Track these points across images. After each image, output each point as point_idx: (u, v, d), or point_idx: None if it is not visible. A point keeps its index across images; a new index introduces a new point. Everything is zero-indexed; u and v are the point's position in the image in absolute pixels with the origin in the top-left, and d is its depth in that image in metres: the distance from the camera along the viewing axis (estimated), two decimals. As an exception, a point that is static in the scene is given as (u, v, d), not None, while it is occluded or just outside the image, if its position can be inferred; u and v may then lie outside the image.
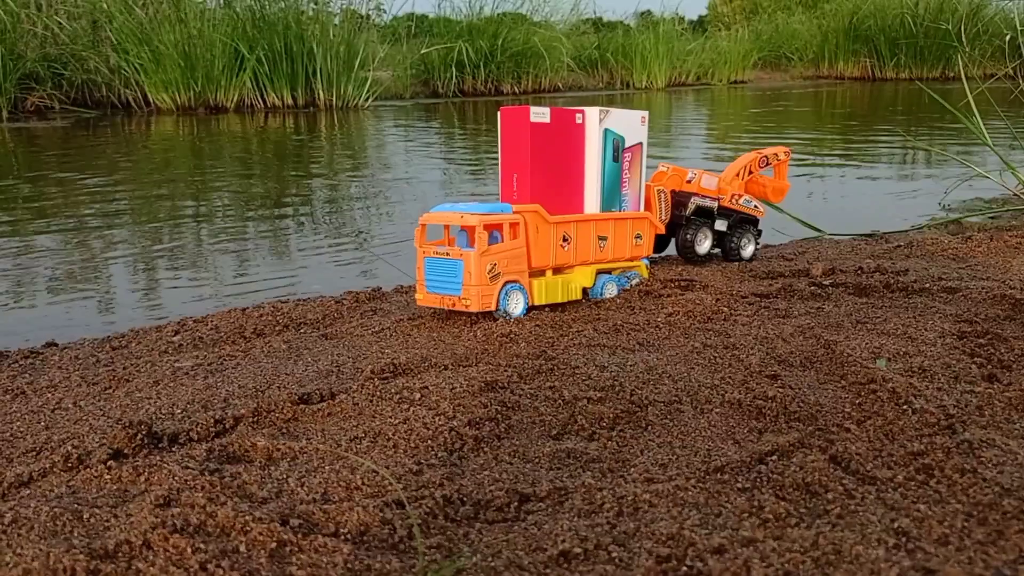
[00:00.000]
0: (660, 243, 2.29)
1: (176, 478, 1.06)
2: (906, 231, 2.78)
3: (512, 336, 1.65)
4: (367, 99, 8.71)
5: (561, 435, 1.21)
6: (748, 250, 2.32)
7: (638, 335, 1.64)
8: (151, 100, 8.33)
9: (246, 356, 1.65)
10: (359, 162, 5.08)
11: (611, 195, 2.00)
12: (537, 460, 1.11)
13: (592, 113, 1.95)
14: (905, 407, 1.21)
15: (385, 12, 10.46)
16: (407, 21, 10.48)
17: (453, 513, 0.98)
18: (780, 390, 1.29)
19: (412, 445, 1.16)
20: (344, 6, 8.85)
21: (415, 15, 10.66)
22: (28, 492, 1.06)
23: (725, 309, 1.79)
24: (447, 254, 1.77)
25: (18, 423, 1.34)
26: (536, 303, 1.84)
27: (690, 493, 0.97)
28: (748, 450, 1.10)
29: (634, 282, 2.04)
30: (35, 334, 1.93)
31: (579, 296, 1.92)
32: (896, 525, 0.89)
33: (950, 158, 4.50)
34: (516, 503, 0.99)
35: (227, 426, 1.27)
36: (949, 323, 1.65)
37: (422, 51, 9.69)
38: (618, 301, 1.92)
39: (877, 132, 6.24)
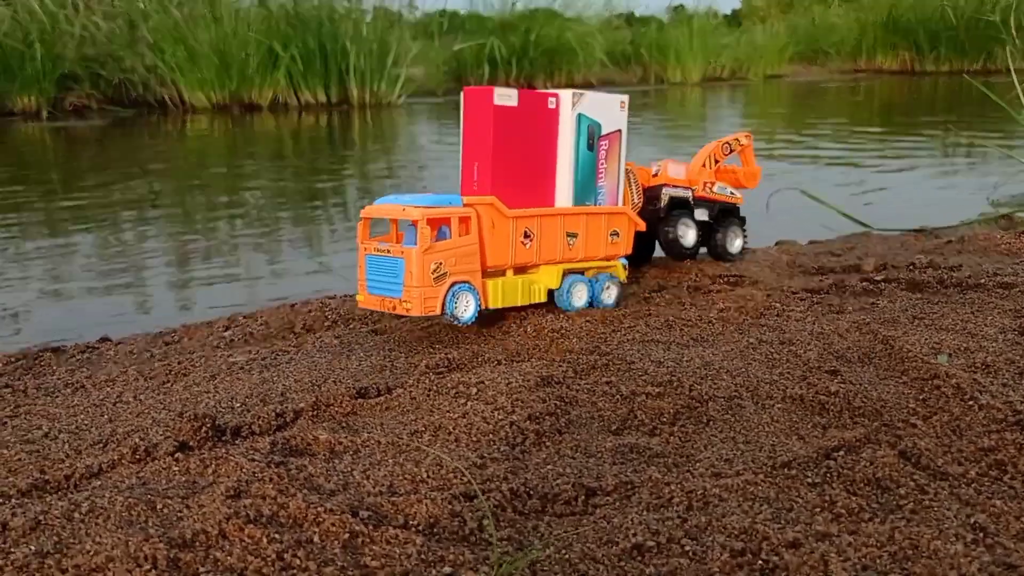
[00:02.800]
0: (641, 249, 2.12)
1: (244, 470, 1.07)
2: (955, 226, 2.74)
3: (563, 332, 1.65)
4: (400, 96, 8.74)
5: (621, 430, 1.21)
6: (736, 245, 2.19)
7: (691, 331, 1.63)
8: (186, 99, 8.41)
9: (298, 351, 1.67)
10: (393, 159, 5.11)
11: (585, 187, 1.81)
12: (599, 455, 1.11)
13: (564, 96, 1.78)
14: (971, 403, 1.19)
15: (417, 8, 10.47)
16: (439, 18, 10.51)
17: (521, 506, 0.98)
18: (842, 385, 1.28)
19: (473, 439, 1.16)
20: (376, 4, 8.89)
21: (447, 12, 10.69)
22: (99, 483, 1.08)
23: (777, 305, 1.78)
24: (388, 251, 1.62)
25: (81, 416, 1.36)
26: (491, 306, 1.69)
27: (760, 488, 0.97)
28: (813, 445, 1.09)
29: (611, 296, 1.83)
30: (87, 329, 1.96)
31: (543, 299, 1.76)
32: (972, 520, 0.88)
33: (994, 152, 4.43)
34: (583, 497, 0.99)
35: (287, 420, 1.28)
36: (1008, 319, 1.63)
37: (455, 48, 9.71)
38: (667, 296, 1.91)
39: (918, 126, 6.16)
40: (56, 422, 1.33)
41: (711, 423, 1.20)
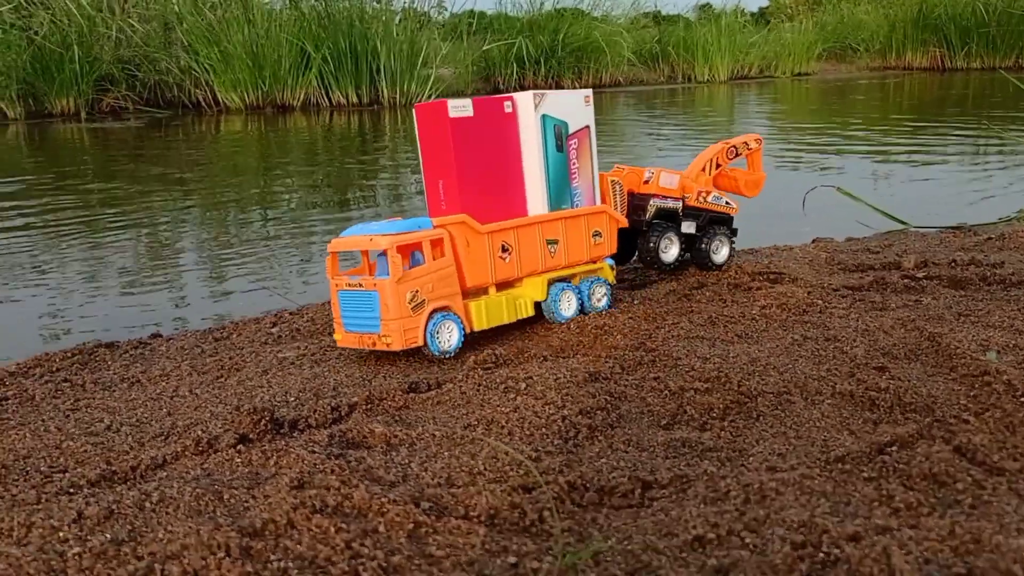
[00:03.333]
0: (622, 252, 2.01)
1: (305, 462, 1.09)
2: (995, 223, 2.72)
3: (606, 328, 1.66)
4: (430, 96, 8.78)
5: (671, 425, 1.22)
6: (721, 254, 2.07)
7: (735, 327, 1.64)
8: (220, 100, 8.51)
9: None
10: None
11: (560, 190, 1.75)
12: (652, 449, 1.13)
13: (524, 99, 1.70)
14: (1023, 399, 1.19)
15: (446, 9, 10.52)
16: (467, 18, 10.54)
17: (579, 499, 1.00)
18: (891, 382, 1.28)
19: (527, 433, 1.18)
20: (406, 5, 8.94)
21: (475, 12, 10.72)
22: (165, 474, 1.11)
23: (819, 302, 1.78)
24: (360, 285, 1.55)
25: (140, 410, 1.40)
26: (476, 328, 1.61)
27: (816, 482, 0.98)
28: (866, 441, 1.10)
29: (601, 300, 1.77)
30: (135, 325, 2.00)
31: (530, 313, 1.69)
32: (1031, 515, 0.89)
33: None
34: (639, 490, 1.01)
35: (342, 413, 1.31)
36: (1055, 316, 1.62)
37: (483, 48, 9.73)
38: (707, 293, 1.91)
39: (949, 123, 6.10)
40: (116, 415, 1.36)
41: (761, 418, 1.21)
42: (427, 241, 1.55)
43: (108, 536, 0.92)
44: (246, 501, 1.01)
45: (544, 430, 1.18)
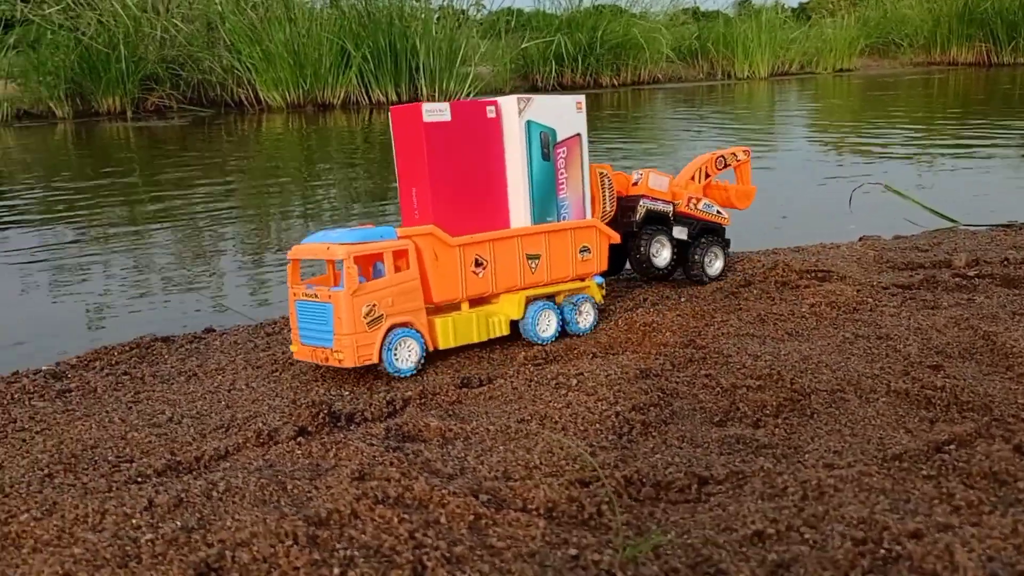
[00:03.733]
0: (612, 260, 1.90)
1: (364, 454, 1.12)
2: (1047, 221, 2.68)
3: (654, 326, 1.67)
4: (468, 94, 8.82)
5: (724, 422, 1.23)
6: (715, 267, 2.00)
7: (784, 325, 1.63)
8: (262, 98, 8.62)
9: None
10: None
11: (545, 202, 1.65)
12: (706, 445, 1.14)
13: (508, 104, 1.61)
14: (1083, 399, 1.18)
15: (484, 7, 10.54)
16: (505, 15, 10.57)
17: (635, 493, 1.01)
18: (946, 380, 1.28)
19: (580, 428, 1.19)
20: (444, 3, 8.99)
21: (513, 10, 10.74)
22: (228, 464, 1.14)
23: (870, 300, 1.77)
24: (316, 296, 1.47)
25: (200, 402, 1.43)
26: (441, 347, 1.53)
27: (874, 479, 0.98)
28: (923, 439, 1.10)
29: (586, 320, 1.67)
30: (186, 321, 2.04)
31: (504, 331, 1.60)
32: (1096, 515, 0.88)
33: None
34: (695, 485, 1.02)
35: (397, 407, 1.33)
36: (1113, 315, 1.60)
37: (522, 45, 9.75)
38: (754, 291, 1.91)
39: (996, 119, 5.99)
40: (177, 408, 1.40)
41: (815, 416, 1.21)
42: (389, 252, 1.47)
43: (179, 523, 0.94)
44: (309, 492, 1.03)
45: (598, 426, 1.20)
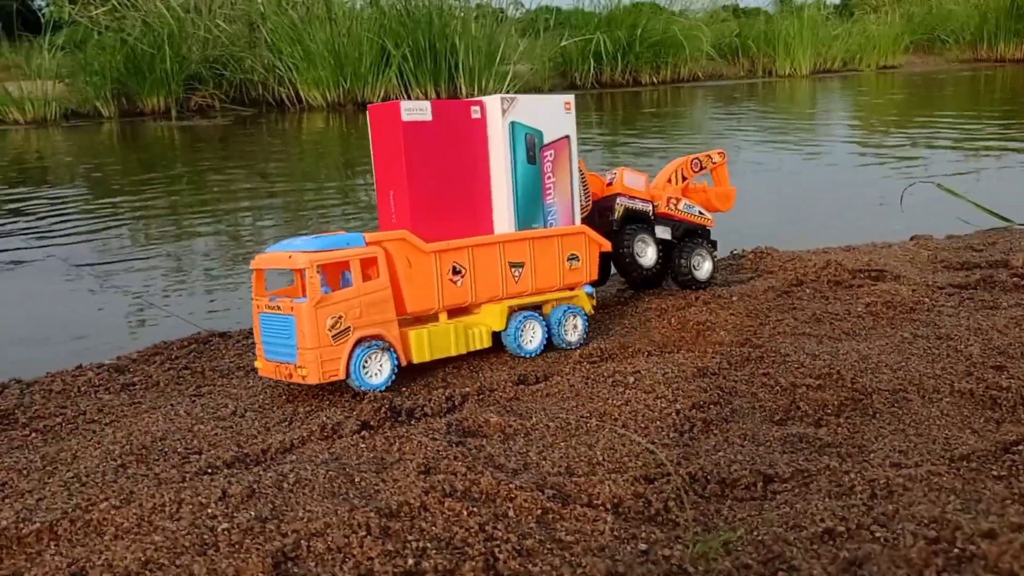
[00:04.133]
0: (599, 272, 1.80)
1: (428, 448, 1.13)
2: (1105, 221, 2.62)
3: (708, 325, 1.66)
4: (507, 92, 8.84)
5: (785, 420, 1.22)
6: (704, 269, 1.92)
7: (841, 324, 1.62)
8: (303, 97, 8.70)
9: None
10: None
11: (530, 207, 1.58)
12: (768, 443, 1.13)
13: (493, 103, 1.53)
14: None
15: (523, 5, 10.55)
16: (544, 14, 10.56)
17: (701, 490, 1.01)
18: (1011, 380, 1.26)
19: (641, 425, 1.20)
20: (483, 1, 9.00)
21: (552, 8, 10.74)
22: (294, 457, 1.16)
23: (926, 300, 1.75)
24: (278, 308, 1.38)
25: (261, 396, 1.45)
26: (416, 360, 1.44)
27: (943, 479, 0.97)
28: (990, 439, 1.09)
29: (575, 332, 1.59)
30: (239, 317, 2.07)
31: (485, 343, 1.52)
32: None
33: None
34: (760, 483, 1.02)
35: (456, 403, 1.34)
36: None
37: (561, 44, 9.75)
38: (807, 291, 1.90)
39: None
40: (239, 401, 1.42)
41: (878, 415, 1.21)
42: (356, 260, 1.38)
43: (252, 513, 0.97)
44: (376, 484, 1.05)
45: (659, 423, 1.20)
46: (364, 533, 0.90)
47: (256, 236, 3.07)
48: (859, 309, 1.71)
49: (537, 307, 1.60)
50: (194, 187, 4.25)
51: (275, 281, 1.70)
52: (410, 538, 0.90)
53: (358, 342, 1.37)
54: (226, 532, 0.93)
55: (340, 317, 1.35)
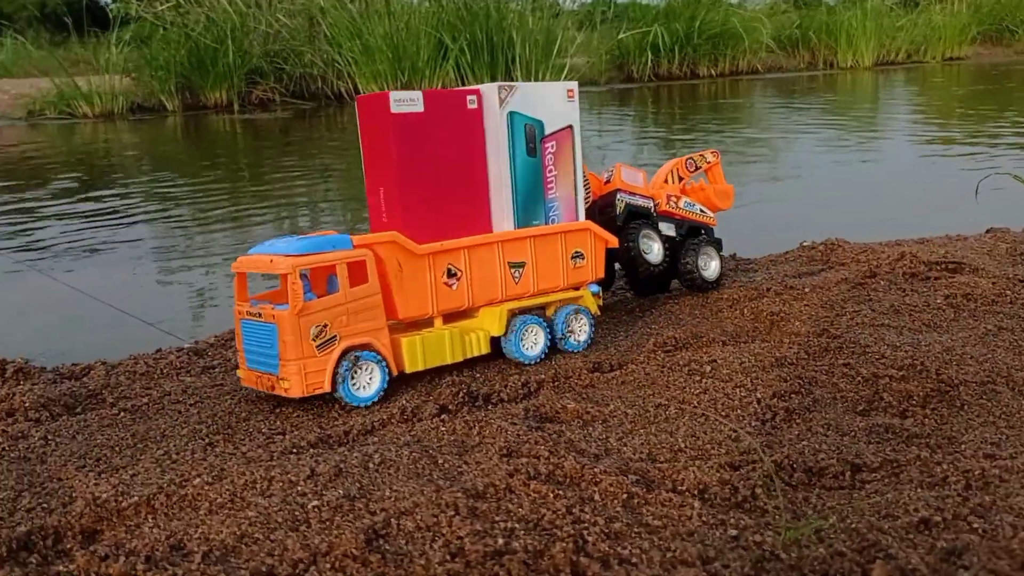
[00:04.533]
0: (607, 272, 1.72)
1: (508, 433, 1.14)
2: None
3: (782, 315, 1.64)
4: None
5: (868, 411, 1.21)
6: (712, 268, 1.84)
7: (921, 316, 1.59)
8: (361, 91, 8.78)
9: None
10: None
11: (531, 203, 1.48)
12: (853, 433, 1.12)
13: (490, 92, 1.43)
14: None
15: (579, -2, 10.51)
16: (601, 6, 10.50)
17: (788, 478, 1.00)
18: (1106, 374, 1.23)
19: (721, 414, 1.19)
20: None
21: (609, 0, 10.66)
22: (376, 439, 1.18)
23: (1008, 293, 1.71)
24: (259, 315, 1.30)
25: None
26: (409, 370, 1.35)
27: (1042, 471, 0.95)
28: (1087, 433, 1.06)
29: (580, 335, 1.52)
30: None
31: (484, 350, 1.43)
32: None
33: None
34: (849, 472, 1.01)
35: (532, 389, 1.35)
36: None
37: (618, 36, 9.68)
38: (882, 283, 1.86)
39: None
40: (317, 385, 1.44)
41: (966, 407, 1.18)
42: (343, 264, 1.29)
43: (341, 492, 0.98)
44: (459, 466, 1.06)
45: (739, 412, 1.19)
46: (452, 513, 0.91)
47: (315, 225, 3.11)
48: (938, 301, 1.68)
49: (539, 309, 1.51)
50: (255, 179, 4.32)
51: (259, 284, 1.60)
52: (497, 519, 0.91)
53: (345, 352, 1.29)
54: (316, 509, 0.95)
55: (325, 326, 1.27)
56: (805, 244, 2.29)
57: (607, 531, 0.88)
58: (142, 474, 1.07)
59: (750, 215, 2.90)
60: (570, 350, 1.51)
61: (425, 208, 1.39)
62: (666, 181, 1.90)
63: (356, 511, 0.94)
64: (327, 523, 0.92)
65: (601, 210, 1.71)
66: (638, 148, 4.90)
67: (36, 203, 3.70)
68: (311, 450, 1.13)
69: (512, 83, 1.44)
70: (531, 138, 1.46)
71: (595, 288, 1.58)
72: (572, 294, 1.54)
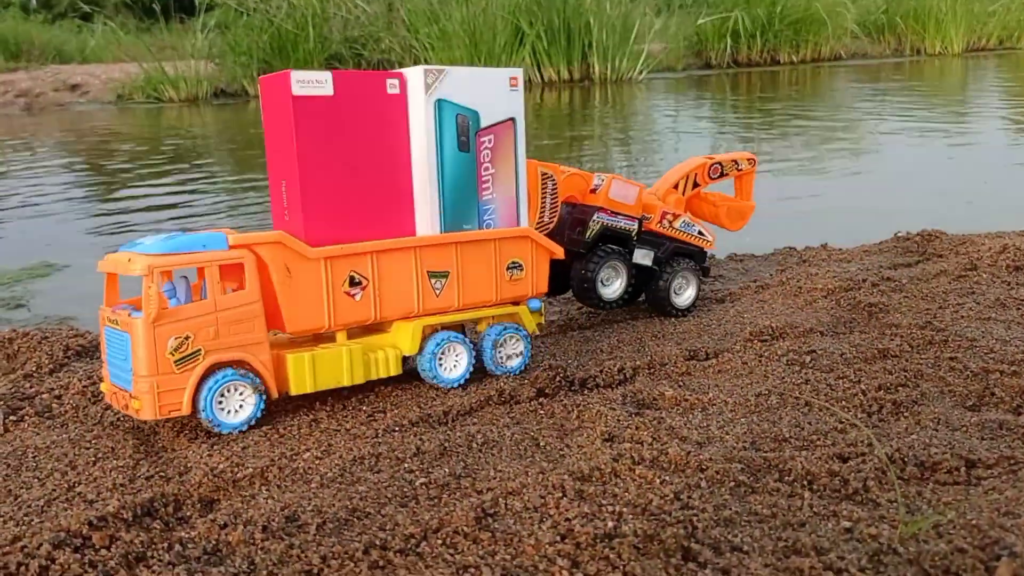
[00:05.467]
0: (559, 279, 1.56)
1: (608, 418, 1.14)
2: None
3: (881, 307, 1.61)
4: (641, 72, 8.72)
5: (979, 406, 1.17)
6: (686, 296, 1.66)
7: (1030, 310, 1.54)
8: (438, 77, 8.83)
9: (605, 312, 1.73)
10: (634, 135, 5.12)
11: (461, 205, 1.29)
12: (964, 428, 1.09)
13: (415, 77, 1.25)
14: None
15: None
16: (679, -9, 10.34)
17: (899, 472, 0.98)
18: None
19: (825, 405, 1.17)
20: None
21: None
22: (475, 420, 1.19)
23: (1123, 288, 1.64)
24: (117, 322, 1.14)
25: (432, 361, 1.49)
26: (295, 392, 1.19)
27: None
28: None
29: (514, 357, 1.34)
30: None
31: (394, 371, 1.26)
32: None
33: None
34: (963, 468, 0.98)
35: (627, 376, 1.34)
36: None
37: (698, 22, 9.54)
38: (983, 275, 1.80)
39: None
40: (410, 366, 1.46)
41: (1085, 405, 1.14)
42: (213, 267, 1.12)
43: (447, 470, 1.00)
44: (561, 449, 1.07)
45: (844, 403, 1.17)
46: (560, 495, 0.92)
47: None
48: (1048, 295, 1.62)
49: (461, 327, 1.34)
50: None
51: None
52: (604, 502, 0.91)
53: (211, 369, 1.13)
54: (424, 486, 0.97)
55: (187, 338, 1.10)
56: (900, 235, 2.23)
57: (716, 518, 0.87)
58: (252, 447, 1.11)
59: (838, 204, 2.84)
60: (500, 374, 1.33)
61: (333, 206, 1.22)
62: (676, 187, 1.69)
63: (463, 489, 0.96)
64: (435, 500, 0.94)
65: (573, 224, 1.53)
66: (714, 138, 4.83)
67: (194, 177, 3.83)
68: (413, 428, 1.15)
69: (442, 67, 1.26)
70: (463, 130, 1.28)
71: (535, 304, 1.38)
72: (507, 310, 1.36)
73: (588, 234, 1.52)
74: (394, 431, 1.14)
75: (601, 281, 1.56)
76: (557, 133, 5.13)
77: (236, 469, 1.03)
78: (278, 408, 1.27)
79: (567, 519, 0.88)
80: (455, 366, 1.30)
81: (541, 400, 1.24)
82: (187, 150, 4.98)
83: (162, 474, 1.04)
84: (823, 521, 0.87)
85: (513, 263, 1.34)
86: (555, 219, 1.50)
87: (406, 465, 1.02)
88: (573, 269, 1.56)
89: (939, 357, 1.33)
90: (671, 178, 1.71)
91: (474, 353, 1.32)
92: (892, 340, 1.41)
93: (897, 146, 4.00)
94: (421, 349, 1.28)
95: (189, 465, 1.06)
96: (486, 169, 1.32)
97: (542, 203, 1.48)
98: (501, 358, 1.34)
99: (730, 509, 0.89)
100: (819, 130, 4.70)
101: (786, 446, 1.06)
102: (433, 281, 1.28)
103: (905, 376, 1.24)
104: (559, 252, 1.40)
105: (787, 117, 5.31)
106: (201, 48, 8.81)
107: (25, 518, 0.95)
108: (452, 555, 0.84)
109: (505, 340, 1.34)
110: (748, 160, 1.79)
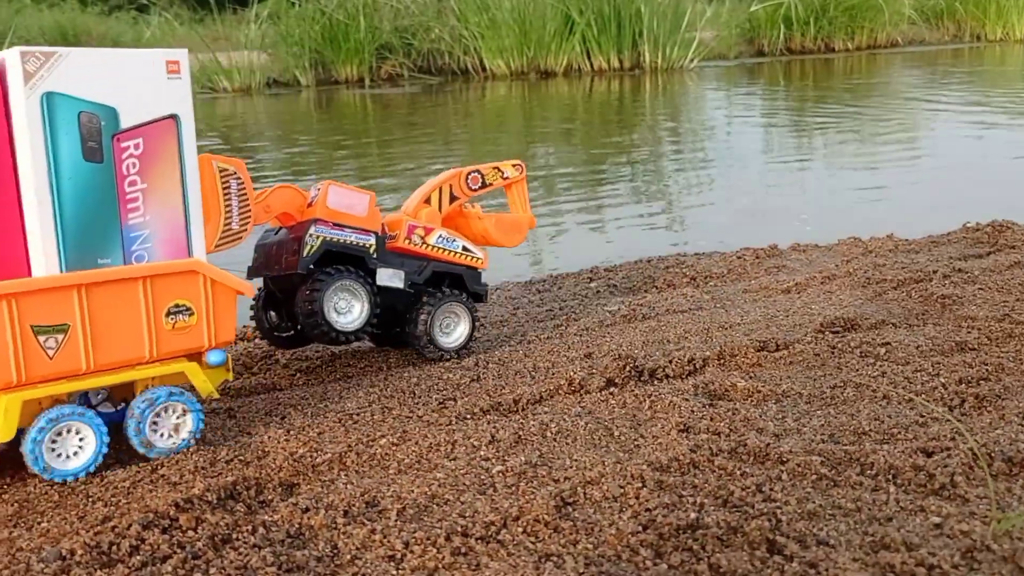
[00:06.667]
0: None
1: (681, 408, 1.13)
2: None
3: (954, 299, 1.57)
4: (692, 60, 8.63)
5: (1064, 401, 1.14)
6: (456, 334, 1.44)
7: (1113, 304, 1.49)
8: (487, 66, 8.83)
9: (669, 302, 1.72)
10: (686, 127, 5.07)
11: (92, 232, 1.01)
12: (1051, 424, 1.06)
13: (11, 62, 0.96)
14: None
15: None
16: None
17: (987, 467, 0.96)
18: None
19: (904, 398, 1.15)
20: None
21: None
22: (546, 409, 1.19)
23: None
24: None
25: (498, 352, 1.49)
26: None
27: None
28: None
29: (177, 432, 1.06)
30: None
31: None
32: None
33: None
34: (1053, 464, 0.95)
35: (697, 366, 1.33)
36: None
37: (750, 9, 9.40)
38: (1061, 268, 1.75)
39: None
40: (479, 355, 1.47)
41: None
42: None
43: (523, 458, 1.00)
44: (636, 439, 1.06)
45: (924, 396, 1.15)
46: (639, 485, 0.91)
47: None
48: None
49: (88, 397, 1.06)
50: (384, 154, 4.42)
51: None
52: (685, 493, 0.90)
53: None
54: (501, 474, 0.97)
55: None
56: (969, 225, 2.18)
57: (799, 511, 0.86)
58: (328, 432, 1.12)
59: (901, 195, 2.78)
60: (151, 455, 1.05)
61: None
62: (427, 201, 1.47)
63: (540, 478, 0.96)
64: (513, 488, 0.94)
65: (280, 245, 1.31)
66: (766, 131, 4.76)
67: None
68: (485, 416, 1.15)
69: (54, 49, 0.97)
70: (91, 134, 1.00)
71: (218, 357, 1.10)
72: (167, 370, 1.06)
73: (307, 251, 1.26)
74: (466, 419, 1.15)
75: (326, 308, 1.28)
76: (606, 128, 5.10)
77: (315, 454, 1.04)
78: (349, 394, 1.28)
79: (647, 509, 0.87)
80: (75, 451, 1.01)
81: (611, 390, 1.23)
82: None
83: (241, 458, 1.06)
84: (911, 516, 0.86)
85: (177, 307, 1.06)
86: (249, 225, 1.19)
87: (482, 453, 1.02)
88: (296, 299, 1.29)
89: (1020, 351, 1.29)
90: (421, 193, 1.49)
91: (105, 431, 1.02)
92: (969, 333, 1.38)
93: (957, 136, 3.91)
94: (23, 432, 0.99)
95: (267, 450, 1.07)
96: (132, 184, 1.03)
97: (227, 207, 1.16)
98: (153, 435, 1.05)
99: (813, 502, 0.88)
100: (876, 119, 4.61)
101: (866, 439, 1.04)
102: (43, 338, 0.98)
103: (986, 370, 1.21)
104: (248, 289, 1.12)
105: (842, 106, 5.22)
106: (254, 39, 8.91)
107: (113, 499, 0.97)
108: (533, 543, 0.84)
109: (161, 412, 1.06)
110: (515, 167, 1.60)
